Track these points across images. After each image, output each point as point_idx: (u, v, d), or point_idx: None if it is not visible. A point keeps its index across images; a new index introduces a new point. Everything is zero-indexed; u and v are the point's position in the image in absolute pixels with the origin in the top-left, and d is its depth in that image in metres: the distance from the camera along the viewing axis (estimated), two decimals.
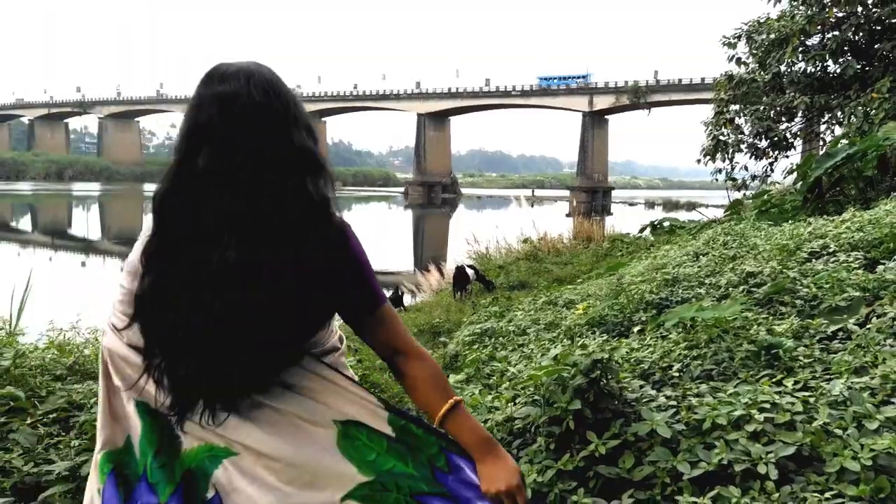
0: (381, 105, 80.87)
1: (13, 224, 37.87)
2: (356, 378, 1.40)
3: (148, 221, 1.28)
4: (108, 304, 1.38)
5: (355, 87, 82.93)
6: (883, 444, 1.71)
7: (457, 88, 75.63)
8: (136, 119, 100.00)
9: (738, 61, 12.73)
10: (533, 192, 73.86)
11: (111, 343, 1.31)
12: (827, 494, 1.61)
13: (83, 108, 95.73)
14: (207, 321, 1.18)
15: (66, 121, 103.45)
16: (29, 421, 2.26)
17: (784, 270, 3.47)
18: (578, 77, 69.10)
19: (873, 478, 1.65)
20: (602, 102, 66.61)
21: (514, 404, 2.43)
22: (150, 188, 75.92)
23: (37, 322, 3.98)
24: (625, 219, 21.53)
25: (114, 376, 1.31)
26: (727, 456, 1.77)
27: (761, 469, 1.71)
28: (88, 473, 1.39)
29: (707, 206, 20.22)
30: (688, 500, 1.67)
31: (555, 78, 70.82)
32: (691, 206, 33.24)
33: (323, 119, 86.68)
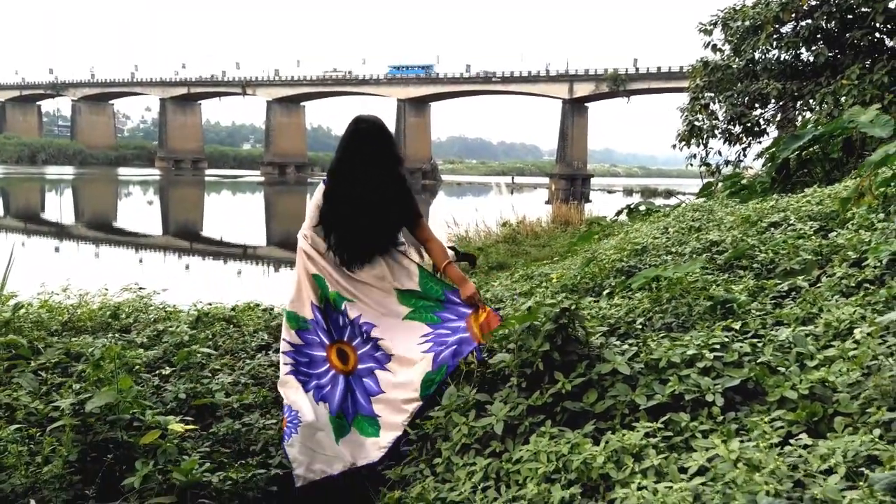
0: (361, 90, 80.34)
1: None
2: (411, 256, 2.87)
3: (321, 184, 2.84)
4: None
5: (334, 70, 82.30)
6: (818, 376, 1.90)
7: (437, 74, 75.43)
8: (111, 102, 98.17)
9: (714, 48, 12.97)
10: (513, 179, 74.11)
11: (306, 247, 2.81)
12: (766, 418, 1.80)
13: (56, 90, 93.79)
14: (358, 226, 2.74)
15: (38, 103, 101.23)
16: (31, 367, 2.38)
17: (745, 238, 3.67)
18: (424, 66, 77.07)
19: (809, 405, 1.84)
20: (582, 90, 66.91)
21: (490, 356, 2.61)
22: (124, 172, 74.83)
23: (21, 297, 4.06)
24: (603, 205, 21.80)
25: (308, 265, 2.79)
26: (679, 388, 1.95)
27: (709, 398, 1.90)
28: (93, 410, 1.91)
29: (684, 193, 20.55)
30: (644, 425, 1.85)
31: (404, 67, 78.21)
32: (669, 194, 33.56)
33: (301, 104, 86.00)
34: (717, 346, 2.12)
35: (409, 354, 2.70)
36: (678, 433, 1.82)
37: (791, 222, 4.04)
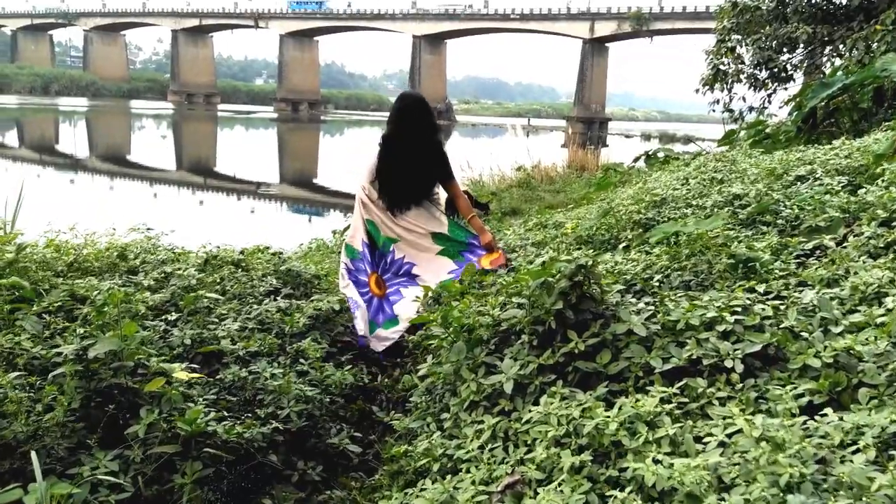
0: (376, 25, 78.42)
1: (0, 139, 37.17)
2: (441, 207, 3.90)
3: (375, 148, 3.82)
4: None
5: (349, 5, 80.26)
6: (844, 344, 1.82)
7: (454, 9, 73.33)
8: (123, 32, 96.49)
9: None
10: (529, 121, 72.78)
11: (363, 196, 3.77)
12: (788, 387, 1.73)
13: (67, 18, 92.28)
14: (404, 179, 3.74)
15: (49, 32, 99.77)
16: (35, 310, 2.34)
17: (769, 192, 3.54)
18: (318, 2, 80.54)
19: (833, 374, 1.77)
20: (603, 29, 64.89)
21: (502, 310, 2.54)
22: (137, 106, 74.34)
23: (30, 233, 4.03)
24: (621, 150, 21.44)
25: (362, 211, 3.78)
26: (697, 352, 1.88)
27: (728, 364, 1.83)
28: (97, 356, 1.74)
29: (704, 139, 20.08)
30: (658, 390, 1.79)
31: (302, 2, 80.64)
32: (688, 140, 32.84)
33: (315, 39, 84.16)
34: (738, 309, 2.04)
35: (435, 283, 3.46)
36: (694, 399, 1.76)
37: (818, 176, 3.89)
